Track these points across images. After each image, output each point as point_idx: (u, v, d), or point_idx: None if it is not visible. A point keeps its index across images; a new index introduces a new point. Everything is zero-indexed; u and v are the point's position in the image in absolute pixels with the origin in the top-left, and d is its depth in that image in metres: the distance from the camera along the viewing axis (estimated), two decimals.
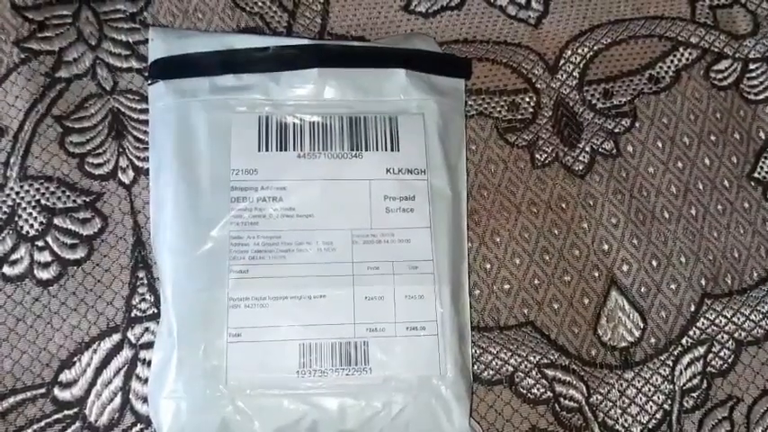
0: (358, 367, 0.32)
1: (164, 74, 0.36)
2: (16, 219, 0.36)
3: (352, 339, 0.32)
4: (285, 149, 0.34)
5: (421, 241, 0.34)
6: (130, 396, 0.35)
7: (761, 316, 0.38)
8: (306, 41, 0.37)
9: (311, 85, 0.36)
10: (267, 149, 0.34)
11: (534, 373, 0.37)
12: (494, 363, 0.37)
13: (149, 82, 0.36)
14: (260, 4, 0.41)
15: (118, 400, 0.35)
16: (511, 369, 0.37)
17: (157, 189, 0.35)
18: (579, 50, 0.41)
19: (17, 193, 0.37)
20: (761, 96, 0.42)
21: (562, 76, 0.41)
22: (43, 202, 0.37)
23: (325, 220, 0.34)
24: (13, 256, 0.36)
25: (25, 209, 0.37)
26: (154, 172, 0.35)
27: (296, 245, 0.33)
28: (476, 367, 0.36)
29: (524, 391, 0.36)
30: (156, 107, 0.36)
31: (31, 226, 0.36)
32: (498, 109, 0.40)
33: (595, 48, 0.42)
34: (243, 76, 0.36)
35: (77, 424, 0.35)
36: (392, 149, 0.35)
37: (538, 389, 0.36)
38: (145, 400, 0.35)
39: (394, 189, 0.34)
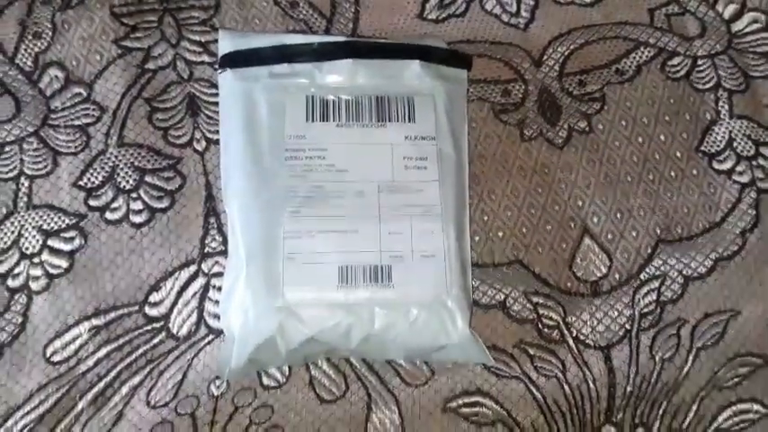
0: (383, 284, 0.42)
1: (231, 64, 0.46)
2: (115, 176, 0.46)
3: (378, 263, 0.42)
4: (326, 120, 0.44)
5: (432, 191, 0.44)
6: (204, 314, 0.44)
7: (704, 257, 0.47)
8: (342, 39, 0.48)
9: (346, 73, 0.46)
10: (313, 120, 0.44)
11: (522, 299, 0.46)
12: (489, 291, 0.46)
13: (220, 71, 0.46)
14: (304, 12, 0.51)
15: (194, 316, 0.44)
16: (503, 296, 0.46)
17: (227, 153, 0.45)
18: (559, 48, 0.51)
19: (116, 157, 0.47)
20: (707, 86, 0.51)
21: (545, 68, 0.51)
22: (136, 163, 0.47)
23: (357, 174, 0.43)
24: (114, 205, 0.46)
25: (122, 169, 0.47)
26: (224, 140, 0.45)
27: (335, 192, 0.43)
28: (475, 295, 0.45)
29: (514, 314, 0.46)
30: (226, 90, 0.46)
31: (127, 182, 0.46)
32: (494, 95, 0.50)
33: (572, 47, 0.51)
34: (293, 65, 0.45)
35: (163, 334, 0.44)
36: (409, 121, 0.45)
37: (524, 311, 0.46)
38: (215, 316, 0.44)
39: (411, 151, 0.44)
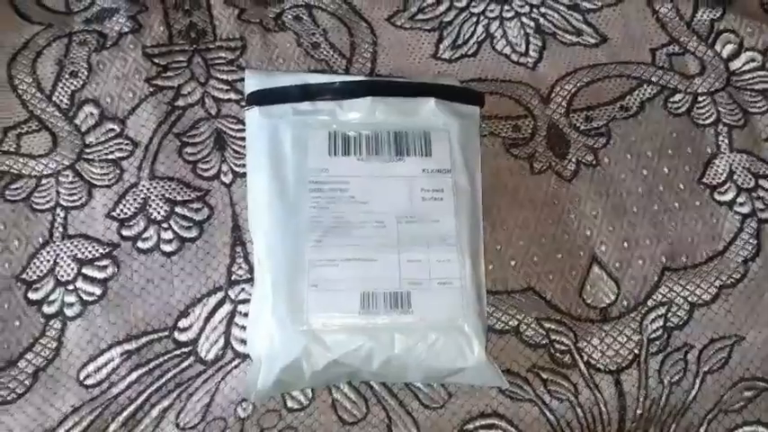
0: (403, 310, 0.44)
1: (257, 102, 0.48)
2: (147, 207, 0.49)
3: (398, 290, 0.44)
4: (348, 154, 0.47)
5: (448, 221, 0.46)
6: (231, 339, 0.46)
7: (708, 285, 0.49)
8: (362, 78, 0.51)
9: (366, 110, 0.48)
10: (335, 155, 0.47)
11: (534, 325, 0.48)
12: (503, 317, 0.48)
13: (246, 108, 0.49)
14: (325, 53, 0.54)
15: (221, 341, 0.46)
16: (516, 322, 0.48)
17: (254, 185, 0.47)
18: (566, 86, 0.54)
19: (148, 189, 0.49)
20: (707, 121, 0.54)
21: (553, 105, 0.54)
22: (167, 195, 0.49)
23: (377, 206, 0.46)
24: (145, 235, 0.48)
25: (154, 200, 0.49)
26: (251, 173, 0.48)
27: (357, 223, 0.45)
28: (490, 321, 0.47)
29: (527, 339, 0.47)
30: (252, 126, 0.48)
31: (158, 213, 0.49)
32: (505, 130, 0.53)
33: (578, 84, 0.54)
34: (316, 102, 0.48)
35: (191, 358, 0.46)
36: (426, 155, 0.47)
37: (537, 337, 0.47)
38: (242, 341, 0.46)
39: (428, 184, 0.47)
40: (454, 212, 0.46)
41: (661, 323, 0.48)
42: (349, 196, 0.46)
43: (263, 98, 0.48)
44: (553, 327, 0.48)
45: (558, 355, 0.47)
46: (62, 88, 0.52)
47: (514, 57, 0.55)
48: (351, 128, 0.48)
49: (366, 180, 0.46)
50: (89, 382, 0.45)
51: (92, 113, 0.51)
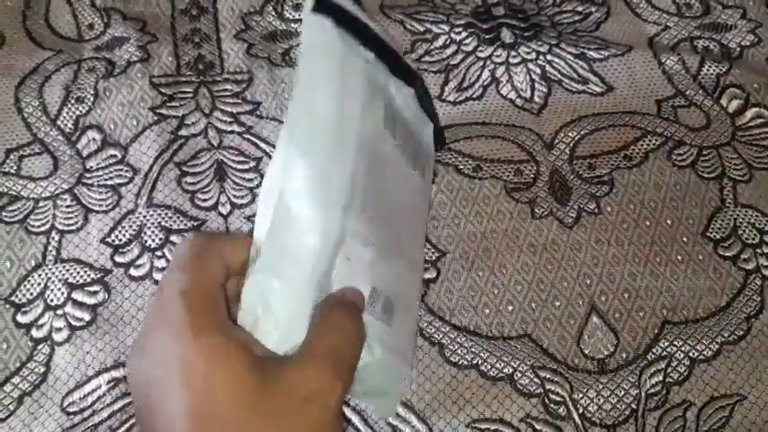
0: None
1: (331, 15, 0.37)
2: (142, 234, 0.49)
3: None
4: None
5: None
6: None
7: (710, 340, 0.48)
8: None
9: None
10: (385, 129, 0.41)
11: (529, 373, 0.47)
12: (498, 364, 0.47)
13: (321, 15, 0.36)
14: None
15: None
16: (511, 369, 0.47)
17: (309, 92, 0.35)
18: (570, 133, 0.54)
19: (144, 216, 0.49)
20: (712, 175, 0.53)
21: (556, 152, 0.53)
22: (163, 223, 0.49)
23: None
24: (138, 262, 0.48)
25: (149, 228, 0.49)
26: (306, 77, 0.36)
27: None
28: (484, 367, 0.46)
29: (521, 387, 0.46)
30: (322, 41, 0.37)
31: (153, 240, 0.48)
32: (507, 174, 0.52)
33: (582, 132, 0.54)
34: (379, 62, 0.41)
35: None
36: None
37: (532, 385, 0.46)
38: None
39: None
40: None
41: (660, 378, 0.47)
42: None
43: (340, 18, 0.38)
44: (548, 376, 0.46)
45: (552, 405, 0.46)
46: (67, 113, 0.52)
47: (519, 102, 0.55)
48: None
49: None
50: (72, 408, 0.44)
51: (94, 139, 0.51)
